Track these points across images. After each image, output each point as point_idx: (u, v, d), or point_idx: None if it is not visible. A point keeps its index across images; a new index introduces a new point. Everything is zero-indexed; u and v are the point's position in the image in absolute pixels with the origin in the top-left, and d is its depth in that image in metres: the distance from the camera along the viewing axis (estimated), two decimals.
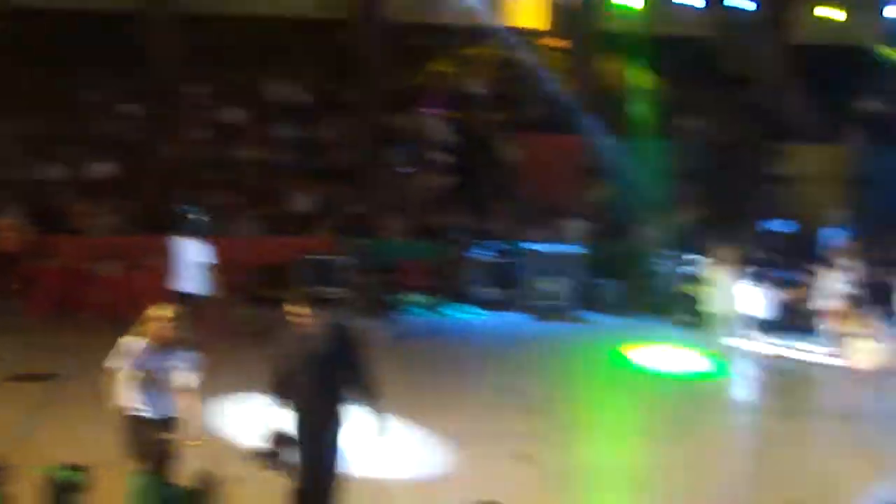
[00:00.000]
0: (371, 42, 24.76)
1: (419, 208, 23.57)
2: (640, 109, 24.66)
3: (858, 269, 18.05)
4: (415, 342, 18.44)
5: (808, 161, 24.62)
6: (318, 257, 20.30)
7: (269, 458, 8.58)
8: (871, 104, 26.60)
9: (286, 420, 8.49)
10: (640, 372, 16.74)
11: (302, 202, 23.27)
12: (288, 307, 8.47)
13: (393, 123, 25.03)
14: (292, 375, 8.41)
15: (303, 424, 8.44)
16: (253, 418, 9.67)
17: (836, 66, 25.81)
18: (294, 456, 8.46)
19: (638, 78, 25.28)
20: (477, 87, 26.28)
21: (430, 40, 26.39)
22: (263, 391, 8.80)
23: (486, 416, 13.55)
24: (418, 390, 14.52)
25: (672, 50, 24.65)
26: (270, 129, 24.78)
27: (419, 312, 20.82)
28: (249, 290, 19.93)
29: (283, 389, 8.48)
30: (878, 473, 11.93)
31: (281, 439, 8.51)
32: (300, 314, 8.39)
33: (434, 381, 15.58)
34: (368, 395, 8.44)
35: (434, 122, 25.27)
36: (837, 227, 21.95)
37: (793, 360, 17.88)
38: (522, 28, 26.37)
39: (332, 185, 23.59)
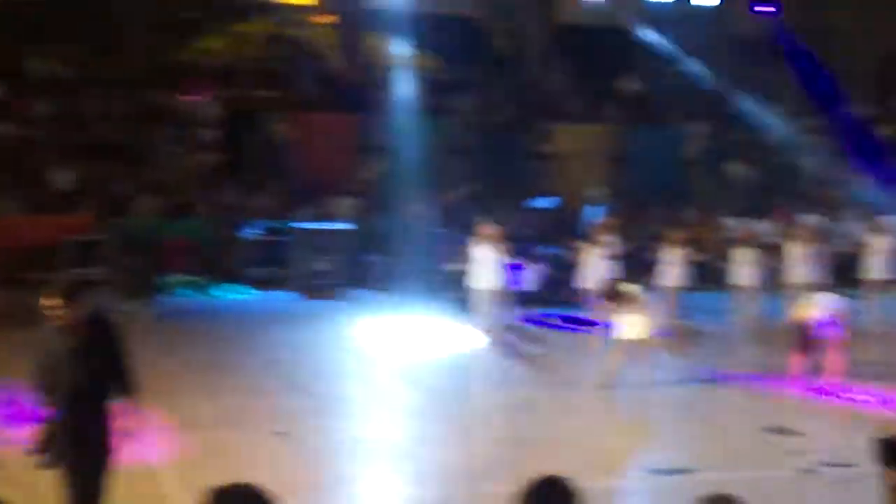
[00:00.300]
0: (137, 15, 24.16)
1: (186, 187, 23.15)
2: (409, 87, 24.79)
3: (618, 244, 18.62)
4: (181, 323, 18.14)
5: (572, 139, 25.23)
6: (79, 238, 19.69)
7: (36, 451, 8.29)
8: (631, 84, 27.42)
9: (51, 413, 8.22)
10: (405, 348, 16.85)
11: (63, 180, 22.52)
12: (42, 301, 8.17)
13: (160, 99, 24.49)
14: (52, 370, 8.14)
15: (67, 417, 8.18)
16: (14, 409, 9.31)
17: (599, 47, 26.49)
18: (60, 448, 8.19)
19: (407, 55, 25.39)
20: (246, 63, 25.93)
21: (199, 15, 25.88)
22: (24, 381, 8.50)
23: (248, 396, 13.43)
24: (181, 372, 14.32)
25: (441, 28, 24.85)
26: (30, 105, 23.87)
27: (186, 293, 20.48)
28: (5, 272, 19.18)
29: (44, 383, 8.20)
30: (642, 443, 12.33)
31: (46, 432, 8.22)
32: (55, 307, 8.10)
33: (197, 362, 15.34)
34: (129, 384, 8.24)
35: (202, 99, 24.84)
36: (599, 203, 22.59)
37: (557, 333, 18.33)
38: (291, 3, 26.13)
39: (96, 163, 22.91)
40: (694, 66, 27.05)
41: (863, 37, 30.34)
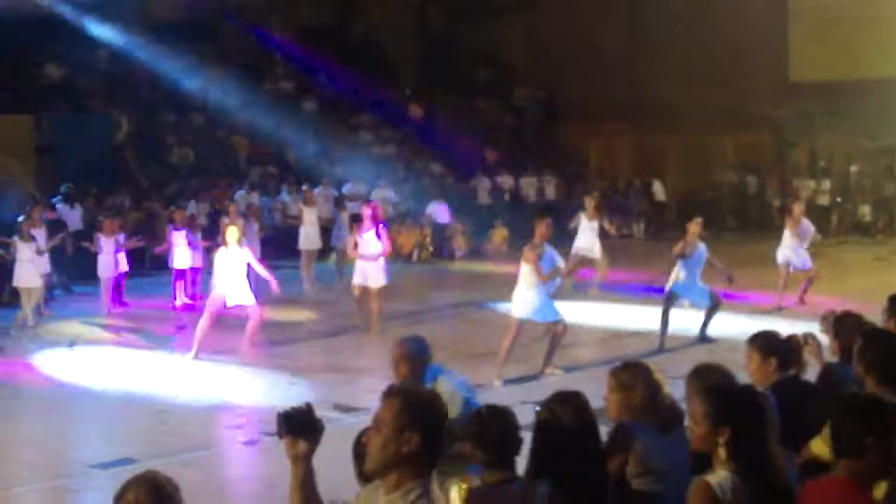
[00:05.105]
0: None
1: None
2: None
3: (45, 236, 17.95)
4: None
5: None
6: None
7: None
8: (54, 71, 26.45)
9: None
10: None
11: None
12: None
13: None
14: None
15: None
16: None
17: (16, 32, 25.17)
18: None
19: None
20: None
21: None
22: None
23: None
24: None
25: None
26: None
27: None
28: None
29: None
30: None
31: None
32: None
33: None
34: None
35: None
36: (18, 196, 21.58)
37: None
38: None
39: None
40: (122, 50, 26.58)
41: (283, 11, 31.22)
